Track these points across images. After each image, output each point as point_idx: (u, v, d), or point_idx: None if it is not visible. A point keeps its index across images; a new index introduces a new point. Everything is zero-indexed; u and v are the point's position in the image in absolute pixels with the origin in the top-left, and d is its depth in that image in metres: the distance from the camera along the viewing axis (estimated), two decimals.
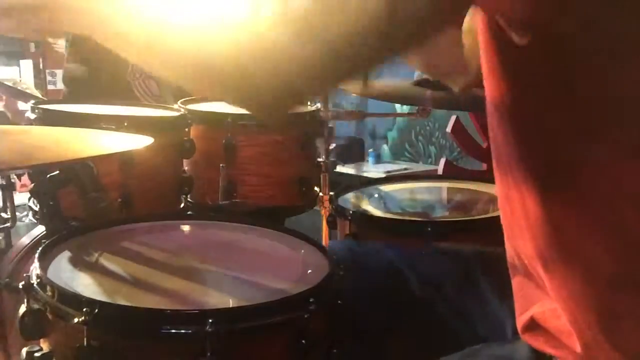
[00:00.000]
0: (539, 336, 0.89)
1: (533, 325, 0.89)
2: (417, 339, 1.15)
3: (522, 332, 0.92)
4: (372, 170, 3.89)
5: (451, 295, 1.13)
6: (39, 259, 1.06)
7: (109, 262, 1.15)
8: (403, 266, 1.18)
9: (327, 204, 1.91)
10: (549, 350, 0.89)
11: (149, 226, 1.34)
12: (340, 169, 3.54)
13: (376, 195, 1.80)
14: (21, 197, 2.02)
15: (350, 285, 1.09)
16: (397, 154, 4.26)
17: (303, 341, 0.97)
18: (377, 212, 1.65)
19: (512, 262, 0.94)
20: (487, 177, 2.06)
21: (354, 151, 4.15)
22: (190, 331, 0.91)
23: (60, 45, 3.20)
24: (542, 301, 0.88)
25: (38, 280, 1.00)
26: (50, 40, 3.18)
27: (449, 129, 3.29)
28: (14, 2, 0.84)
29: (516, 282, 0.95)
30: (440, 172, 3.32)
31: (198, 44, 0.70)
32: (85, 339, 0.90)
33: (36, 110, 1.55)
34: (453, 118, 3.28)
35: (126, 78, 2.59)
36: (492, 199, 1.73)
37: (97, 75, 2.52)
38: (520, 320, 0.92)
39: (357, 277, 1.17)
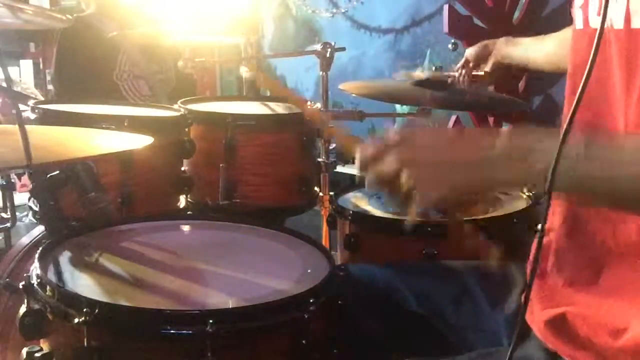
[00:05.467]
0: (563, 334, 0.89)
1: (561, 322, 0.90)
2: (414, 351, 1.15)
3: (544, 326, 0.92)
4: None
5: (447, 310, 1.14)
6: (39, 259, 1.06)
7: (109, 262, 1.15)
8: (400, 285, 1.19)
9: (327, 204, 1.90)
10: (567, 351, 0.89)
11: (149, 226, 1.34)
12: (340, 169, 3.53)
13: (376, 195, 1.80)
14: (21, 197, 2.03)
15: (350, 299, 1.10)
16: None
17: (303, 341, 0.97)
18: (377, 212, 1.65)
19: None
20: None
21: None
22: (190, 331, 0.91)
23: None
24: (578, 303, 0.88)
25: (38, 280, 1.00)
26: None
27: None
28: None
29: (536, 283, 0.95)
30: None
31: None
32: (85, 339, 0.90)
33: (36, 110, 1.55)
34: (453, 118, 3.28)
35: (113, 79, 2.59)
36: (492, 199, 1.73)
37: (83, 77, 2.52)
38: (545, 314, 0.92)
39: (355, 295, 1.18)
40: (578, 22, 0.95)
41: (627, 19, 0.84)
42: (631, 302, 0.84)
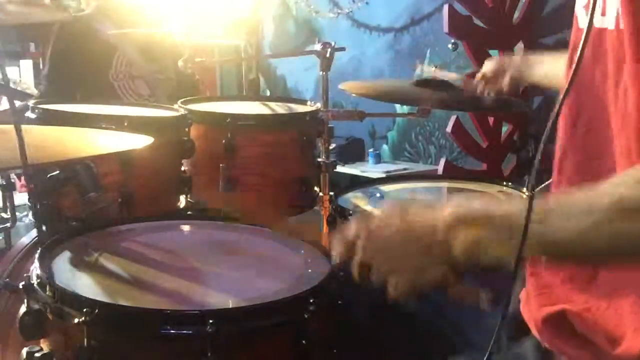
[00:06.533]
0: (561, 332, 0.89)
1: (559, 320, 0.90)
2: (413, 349, 1.15)
3: (542, 324, 0.92)
4: (372, 170, 3.89)
5: (446, 307, 1.14)
6: (39, 259, 1.06)
7: (109, 262, 1.15)
8: None
9: (327, 204, 1.90)
10: (565, 348, 0.89)
11: (149, 226, 1.34)
12: (340, 169, 3.54)
13: (376, 195, 1.80)
14: (21, 197, 2.03)
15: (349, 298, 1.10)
16: (397, 154, 4.26)
17: (303, 341, 0.97)
18: (377, 212, 1.65)
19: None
20: (487, 177, 2.06)
21: (354, 151, 4.15)
22: (190, 331, 0.91)
23: None
24: (576, 301, 0.88)
25: (38, 280, 1.00)
26: None
27: (449, 129, 3.29)
28: None
29: (533, 281, 0.95)
30: (440, 172, 3.32)
31: None
32: (85, 339, 0.90)
33: (36, 110, 1.55)
34: (453, 118, 3.28)
35: (109, 79, 2.59)
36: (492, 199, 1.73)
37: (77, 76, 2.52)
38: (542, 311, 0.92)
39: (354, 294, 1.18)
40: (582, 22, 0.94)
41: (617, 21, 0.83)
42: (628, 306, 0.84)
